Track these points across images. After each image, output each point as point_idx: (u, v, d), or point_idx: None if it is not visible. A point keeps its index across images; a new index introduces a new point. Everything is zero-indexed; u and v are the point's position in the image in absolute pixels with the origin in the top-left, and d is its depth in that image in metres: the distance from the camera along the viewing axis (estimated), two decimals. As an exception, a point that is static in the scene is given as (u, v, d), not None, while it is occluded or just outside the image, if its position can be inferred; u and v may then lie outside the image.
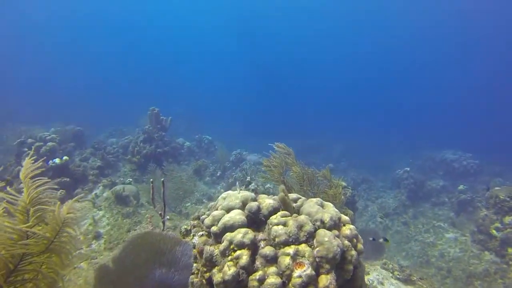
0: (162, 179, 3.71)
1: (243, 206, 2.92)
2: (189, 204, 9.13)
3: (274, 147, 4.63)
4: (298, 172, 4.23)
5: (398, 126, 33.37)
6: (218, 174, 12.55)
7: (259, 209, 2.81)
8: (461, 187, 12.68)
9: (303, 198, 3.18)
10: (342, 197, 4.33)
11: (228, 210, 2.92)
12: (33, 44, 47.94)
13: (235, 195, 3.07)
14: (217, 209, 3.06)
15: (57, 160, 7.95)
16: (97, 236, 5.89)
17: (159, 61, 57.23)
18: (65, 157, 8.18)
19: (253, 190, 7.02)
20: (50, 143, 9.55)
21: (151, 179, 3.70)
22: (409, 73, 51.95)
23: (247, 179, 7.29)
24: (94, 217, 6.55)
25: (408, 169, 14.45)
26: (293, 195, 3.22)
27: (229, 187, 11.98)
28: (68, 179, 7.81)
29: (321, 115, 39.95)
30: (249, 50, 55.42)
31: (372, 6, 41.64)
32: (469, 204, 11.37)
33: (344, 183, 6.38)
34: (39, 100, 27.71)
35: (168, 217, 6.52)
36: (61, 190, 7.16)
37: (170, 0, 48.93)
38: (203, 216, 3.08)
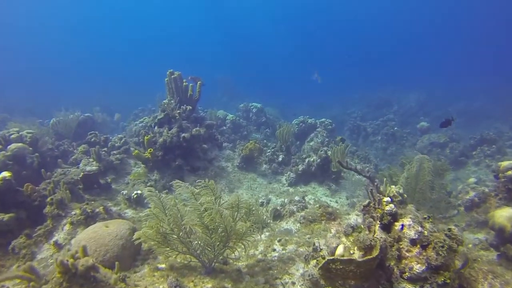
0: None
1: None
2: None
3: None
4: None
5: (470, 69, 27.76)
6: (279, 159, 8.00)
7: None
8: None
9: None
10: None
11: None
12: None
13: None
14: None
15: (-15, 182, 4.19)
16: None
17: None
18: (3, 173, 4.39)
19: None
20: (13, 146, 5.96)
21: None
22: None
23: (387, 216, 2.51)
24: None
25: None
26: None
27: (300, 179, 7.39)
28: (7, 217, 4.02)
29: (390, 64, 33.33)
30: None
31: None
32: None
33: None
34: (73, 88, 25.74)
35: None
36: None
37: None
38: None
